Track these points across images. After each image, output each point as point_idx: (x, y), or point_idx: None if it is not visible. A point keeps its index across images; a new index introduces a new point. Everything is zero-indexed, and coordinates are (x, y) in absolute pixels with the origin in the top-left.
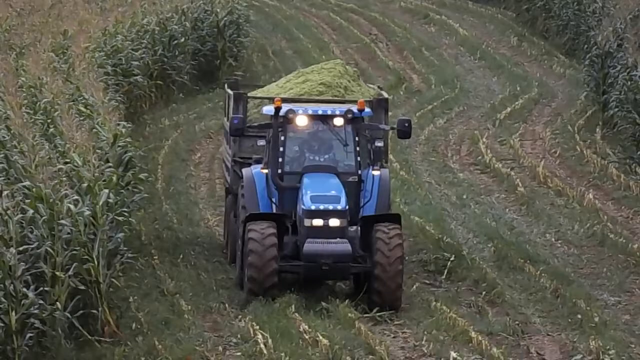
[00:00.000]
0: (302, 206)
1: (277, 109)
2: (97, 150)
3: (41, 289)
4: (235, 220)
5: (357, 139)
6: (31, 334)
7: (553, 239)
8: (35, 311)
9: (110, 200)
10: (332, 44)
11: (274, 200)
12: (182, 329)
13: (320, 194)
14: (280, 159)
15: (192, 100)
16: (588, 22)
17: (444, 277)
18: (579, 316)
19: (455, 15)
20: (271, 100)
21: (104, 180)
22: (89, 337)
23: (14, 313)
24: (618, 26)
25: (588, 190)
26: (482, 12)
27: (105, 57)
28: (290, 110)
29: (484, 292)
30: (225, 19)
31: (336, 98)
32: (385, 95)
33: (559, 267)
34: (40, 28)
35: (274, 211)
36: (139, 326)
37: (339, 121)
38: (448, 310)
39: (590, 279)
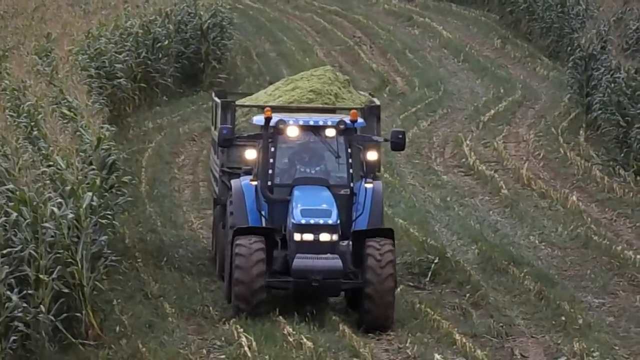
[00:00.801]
0: (292, 220)
1: (268, 119)
2: (81, 153)
3: (25, 292)
4: (224, 231)
5: (349, 150)
6: (15, 337)
7: (537, 241)
8: (19, 314)
9: (94, 203)
10: (316, 46)
11: (263, 213)
12: (166, 332)
13: (311, 207)
14: (270, 171)
15: (176, 103)
16: (572, 24)
17: (428, 279)
18: (563, 318)
19: (438, 17)
20: (260, 108)
21: (87, 183)
22: (73, 340)
23: None
24: (601, 28)
25: (572, 192)
26: (465, 15)
27: (88, 60)
28: (281, 121)
29: (468, 294)
30: (209, 21)
31: (327, 106)
32: (377, 102)
33: (543, 269)
34: (24, 31)
35: (264, 225)
36: (122, 329)
37: (330, 132)
38: (432, 313)
39: (574, 281)
